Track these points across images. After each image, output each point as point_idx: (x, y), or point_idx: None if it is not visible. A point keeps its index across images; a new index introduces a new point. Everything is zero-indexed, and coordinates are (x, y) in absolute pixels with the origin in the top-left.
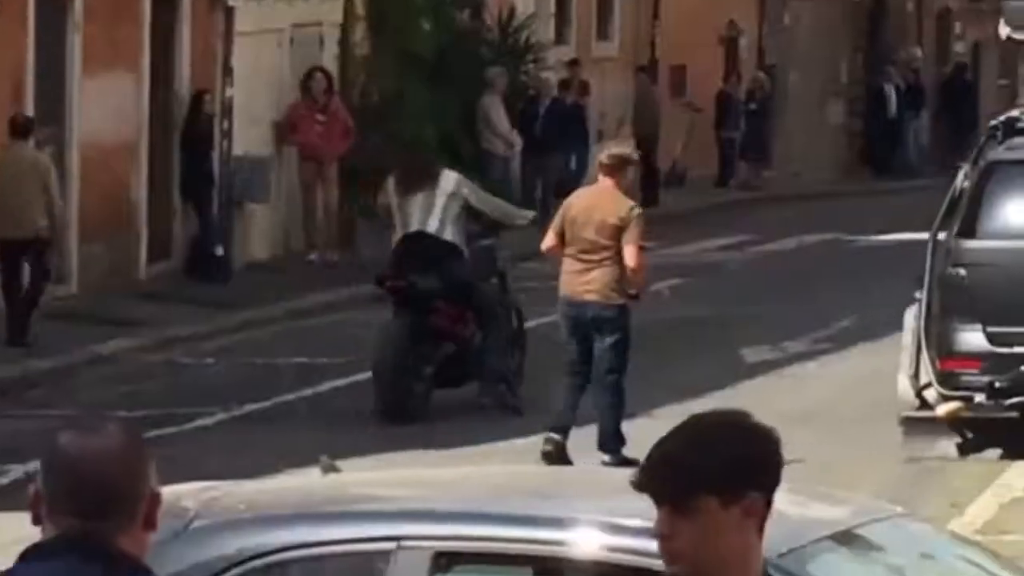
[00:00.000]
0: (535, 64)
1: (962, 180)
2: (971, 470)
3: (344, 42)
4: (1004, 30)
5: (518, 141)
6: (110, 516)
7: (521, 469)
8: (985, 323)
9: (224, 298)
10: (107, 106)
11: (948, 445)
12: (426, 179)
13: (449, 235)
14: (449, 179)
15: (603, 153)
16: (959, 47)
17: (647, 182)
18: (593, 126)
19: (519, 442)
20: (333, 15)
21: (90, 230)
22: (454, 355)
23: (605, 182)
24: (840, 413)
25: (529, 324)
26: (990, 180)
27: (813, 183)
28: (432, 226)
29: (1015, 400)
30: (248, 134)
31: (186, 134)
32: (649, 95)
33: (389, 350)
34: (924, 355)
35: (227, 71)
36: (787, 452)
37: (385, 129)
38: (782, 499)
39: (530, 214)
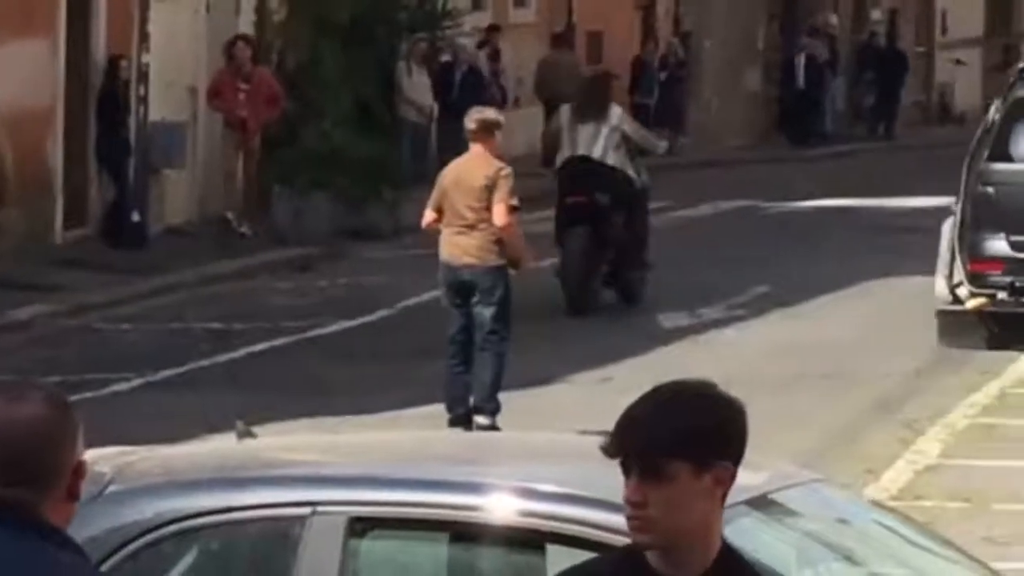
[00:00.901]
0: (452, 30)
1: (993, 113)
2: (886, 437)
3: (261, 8)
4: None
5: (433, 108)
6: (34, 485)
7: (437, 434)
8: (1008, 232)
9: (140, 264)
10: (22, 72)
11: (977, 338)
12: (598, 111)
13: (611, 160)
14: (614, 113)
15: (469, 119)
16: (875, 14)
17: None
18: (510, 93)
19: (429, 409)
20: None
21: (6, 195)
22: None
23: (475, 148)
24: (756, 379)
25: (421, 298)
26: (1016, 114)
27: (729, 150)
28: (596, 152)
29: None
30: (165, 100)
31: (102, 100)
32: (569, 61)
33: (575, 256)
34: (957, 259)
35: (143, 37)
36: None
37: (300, 96)
38: None
39: (664, 144)
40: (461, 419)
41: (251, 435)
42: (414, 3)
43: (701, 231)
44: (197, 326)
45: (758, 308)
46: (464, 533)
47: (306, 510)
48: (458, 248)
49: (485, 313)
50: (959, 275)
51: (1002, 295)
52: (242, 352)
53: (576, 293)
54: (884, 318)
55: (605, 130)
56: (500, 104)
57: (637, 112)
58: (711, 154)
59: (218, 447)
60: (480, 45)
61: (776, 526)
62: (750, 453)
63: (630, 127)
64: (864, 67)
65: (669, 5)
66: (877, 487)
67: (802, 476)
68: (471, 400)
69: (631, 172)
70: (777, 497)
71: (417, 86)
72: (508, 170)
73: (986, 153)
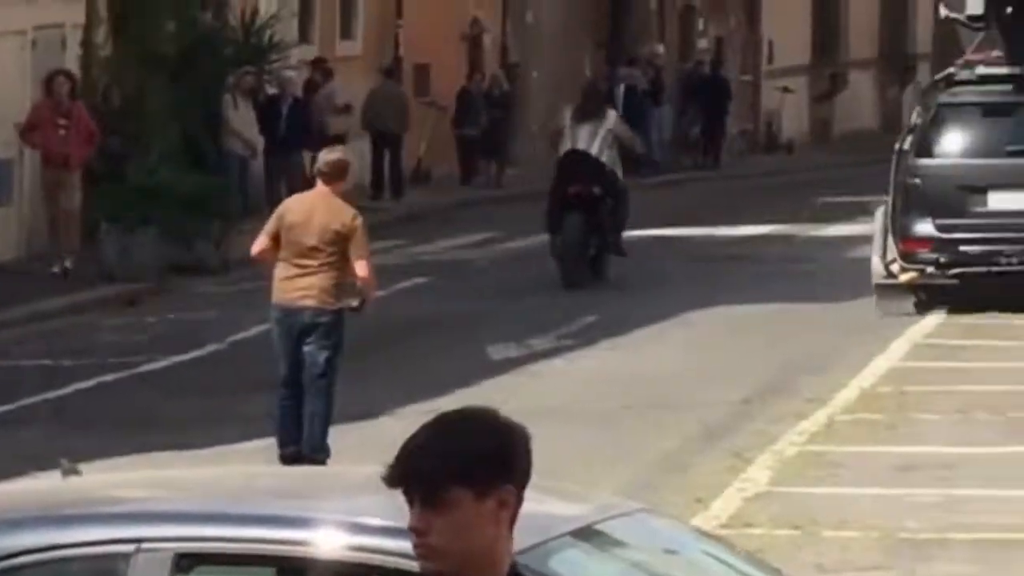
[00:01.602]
0: (278, 63)
1: (915, 118)
2: (715, 466)
3: (87, 43)
4: (943, 11)
5: (259, 141)
6: None
7: (263, 470)
8: (934, 216)
9: None
10: None
11: (908, 305)
12: (596, 114)
13: (604, 157)
14: (611, 117)
15: (320, 161)
16: (702, 43)
17: (390, 179)
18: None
19: (258, 443)
20: (75, 16)
21: None
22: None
23: (323, 188)
24: (585, 410)
25: (250, 332)
26: (937, 117)
27: None
28: (593, 149)
29: (955, 271)
30: None
31: None
32: (396, 94)
33: (573, 238)
34: (890, 240)
35: None
36: (535, 448)
37: (126, 131)
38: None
39: (643, 146)
40: (293, 456)
41: (76, 472)
42: (241, 37)
43: (530, 262)
44: (25, 363)
45: (587, 338)
46: (291, 568)
47: (131, 547)
48: (298, 290)
49: (319, 356)
50: (892, 254)
51: (930, 269)
52: (70, 389)
53: (572, 269)
54: (711, 347)
55: (602, 131)
56: (327, 137)
57: (462, 144)
58: (540, 185)
59: (43, 484)
60: (322, 77)
61: (601, 556)
62: (580, 485)
63: (621, 130)
64: (690, 96)
65: (496, 36)
66: (706, 516)
67: (627, 506)
68: (303, 442)
69: (618, 170)
70: (602, 527)
71: (243, 119)
72: (361, 218)
73: (913, 151)
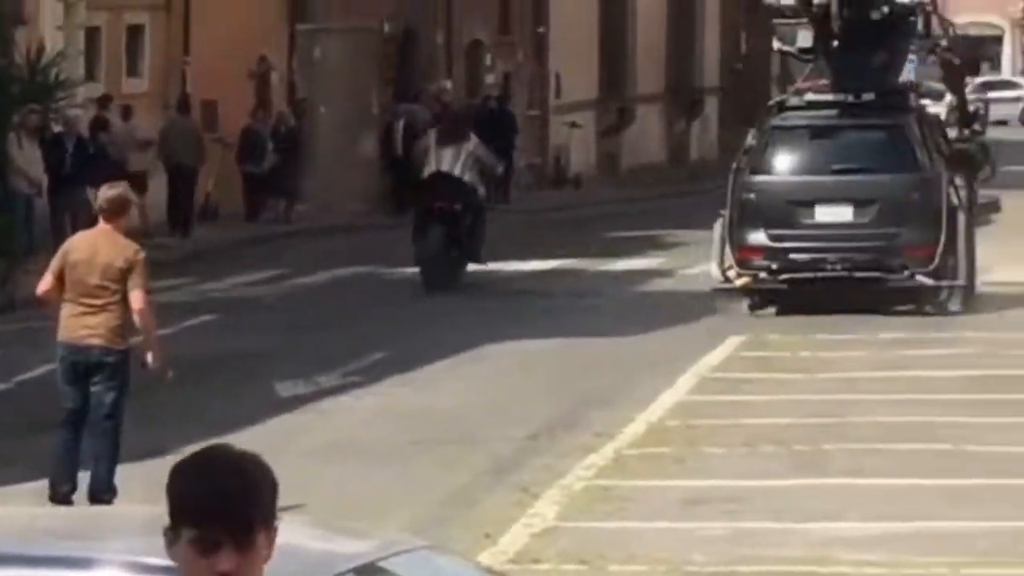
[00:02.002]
0: (64, 101)
1: (751, 140)
2: (503, 501)
3: None
4: (776, 44)
5: (43, 179)
6: None
7: (47, 511)
8: (766, 227)
9: None
10: None
11: (742, 306)
12: (459, 138)
13: (467, 177)
14: (472, 141)
15: (101, 198)
16: (490, 79)
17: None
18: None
19: (41, 484)
20: None
21: None
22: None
23: (105, 226)
24: (373, 446)
25: (36, 372)
26: (769, 138)
27: (347, 216)
28: (456, 170)
29: (784, 276)
30: None
31: None
32: (190, 128)
33: (434, 249)
34: (727, 248)
35: None
36: (319, 487)
37: None
38: (303, 533)
39: (501, 167)
40: (64, 496)
41: None
42: (26, 75)
43: (319, 298)
44: None
45: (375, 374)
46: None
47: None
48: (85, 328)
49: (105, 396)
50: (729, 260)
51: (763, 275)
52: None
53: (432, 275)
54: (499, 382)
55: (463, 154)
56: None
57: (248, 180)
58: (328, 221)
59: None
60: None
61: None
62: (362, 521)
63: (482, 152)
64: (478, 131)
65: (283, 73)
66: (494, 551)
67: (411, 543)
68: (89, 483)
69: (480, 188)
70: (385, 564)
71: (28, 157)
72: (143, 252)
73: (748, 168)
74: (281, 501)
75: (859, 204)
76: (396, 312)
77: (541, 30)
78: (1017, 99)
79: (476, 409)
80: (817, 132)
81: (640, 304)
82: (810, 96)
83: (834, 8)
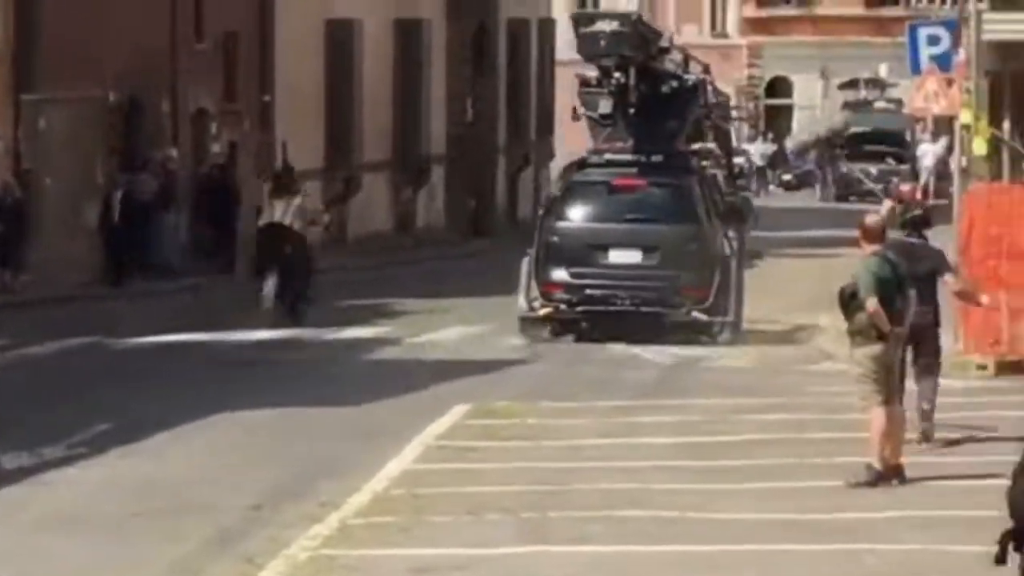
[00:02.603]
0: None
1: (555, 191)
2: (227, 571)
3: None
4: (580, 109)
5: None
6: None
7: None
8: (567, 266)
9: None
10: None
11: (544, 332)
12: (289, 191)
13: (296, 226)
14: (300, 194)
15: None
16: (216, 147)
17: None
18: None
19: None
20: None
21: None
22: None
23: None
24: (96, 518)
25: None
26: (572, 190)
27: (72, 286)
28: (287, 220)
29: (581, 308)
30: None
31: None
32: None
33: (272, 289)
34: (533, 283)
35: None
36: (41, 560)
37: None
38: None
39: (327, 218)
40: None
41: None
42: None
43: (43, 369)
44: None
45: (100, 445)
46: None
47: None
48: None
49: None
50: (535, 293)
51: (563, 307)
52: None
53: (274, 316)
54: (226, 452)
55: (292, 207)
56: None
57: None
58: (52, 291)
59: None
60: None
61: None
62: None
63: (310, 204)
64: (203, 200)
65: (9, 143)
66: None
67: None
68: None
69: (307, 235)
70: None
71: None
72: None
73: (552, 215)
74: (4, 574)
75: (646, 249)
76: (123, 382)
77: (266, 98)
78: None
79: (202, 479)
80: (612, 187)
81: (367, 373)
82: (608, 156)
83: (632, 81)
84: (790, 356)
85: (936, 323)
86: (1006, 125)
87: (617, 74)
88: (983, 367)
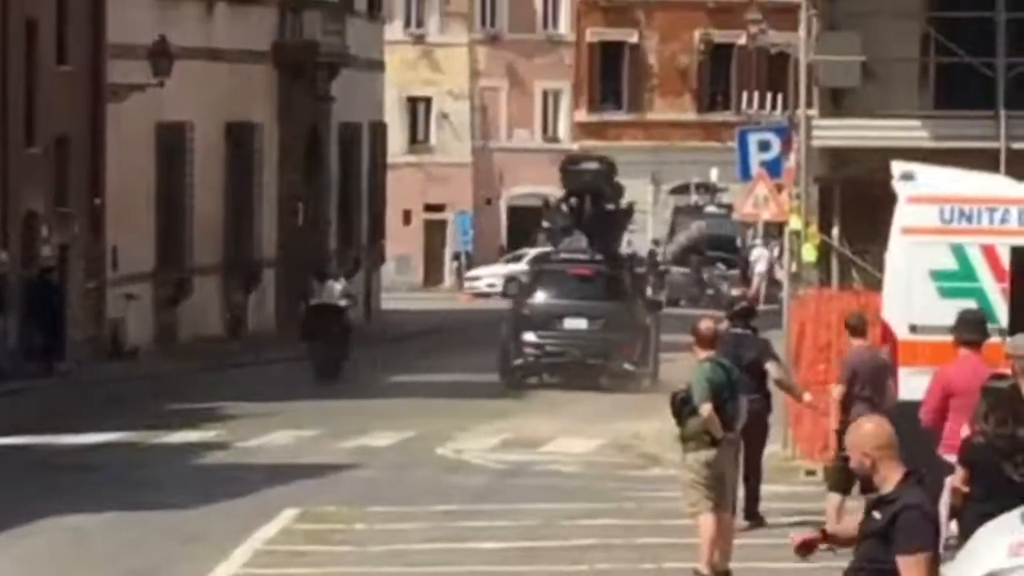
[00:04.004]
0: None
1: (526, 279)
2: None
3: None
4: (545, 223)
5: None
6: None
7: None
8: (535, 330)
9: None
10: None
11: (517, 377)
12: (334, 277)
13: (343, 303)
14: (341, 280)
15: None
16: (46, 250)
17: None
18: None
19: None
20: None
21: None
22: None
23: None
24: None
25: None
26: (537, 277)
27: None
28: (333, 300)
29: (545, 360)
30: None
31: None
32: None
33: (321, 351)
34: (512, 345)
35: None
36: None
37: None
38: None
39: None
40: None
41: None
42: None
43: None
44: None
45: None
46: None
47: None
48: None
49: None
50: (511, 349)
51: (531, 359)
52: None
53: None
54: (51, 558)
55: (338, 287)
56: None
57: None
58: None
59: None
60: None
61: None
62: None
63: (351, 289)
64: (33, 303)
65: None
66: None
67: None
68: None
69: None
70: None
71: None
72: None
73: (524, 296)
74: None
75: (592, 319)
76: None
77: (97, 202)
78: None
79: None
80: (569, 275)
81: (196, 477)
82: (563, 255)
83: (587, 205)
84: (619, 461)
85: (765, 409)
86: (835, 231)
87: (574, 199)
88: (812, 472)
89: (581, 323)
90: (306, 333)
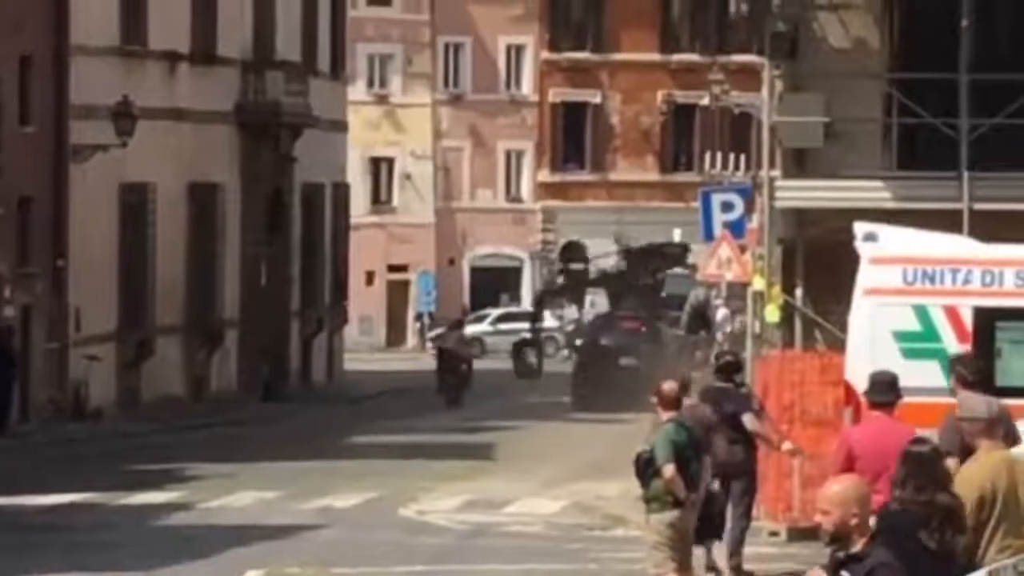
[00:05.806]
0: None
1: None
2: None
3: None
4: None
5: None
6: None
7: None
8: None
9: None
10: None
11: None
12: (457, 327)
13: (461, 351)
14: (461, 329)
15: None
16: (9, 311)
17: None
18: None
19: None
20: None
21: None
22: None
23: None
24: None
25: None
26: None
27: None
28: (455, 347)
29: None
30: None
31: None
32: None
33: (449, 382)
34: (577, 379)
35: None
36: None
37: None
38: None
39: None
40: None
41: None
42: None
43: None
44: None
45: None
46: None
47: None
48: None
49: None
50: (578, 381)
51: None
52: None
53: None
54: None
55: (456, 338)
56: None
57: None
58: None
59: None
60: None
61: None
62: None
63: (467, 336)
64: None
65: None
66: None
67: None
68: None
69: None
70: None
71: None
72: None
73: (588, 340)
74: None
75: (637, 357)
76: None
77: (60, 263)
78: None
79: None
80: (613, 324)
81: (159, 538)
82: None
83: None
84: (582, 522)
85: (750, 460)
86: (799, 292)
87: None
88: (775, 533)
89: (631, 360)
90: (439, 371)
